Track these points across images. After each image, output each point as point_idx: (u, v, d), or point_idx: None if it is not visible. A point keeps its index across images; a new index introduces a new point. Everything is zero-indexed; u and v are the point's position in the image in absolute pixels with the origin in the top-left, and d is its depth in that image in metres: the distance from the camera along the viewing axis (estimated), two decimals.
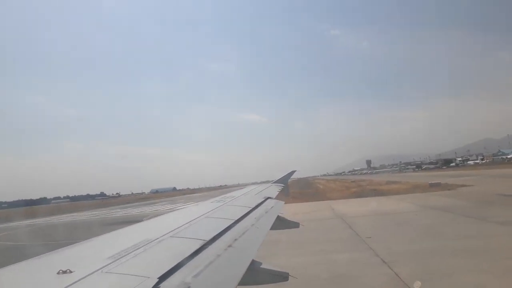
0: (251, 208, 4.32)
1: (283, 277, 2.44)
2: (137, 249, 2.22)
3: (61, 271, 1.72)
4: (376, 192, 35.73)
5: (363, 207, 23.35)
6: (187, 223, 3.20)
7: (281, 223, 4.46)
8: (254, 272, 2.27)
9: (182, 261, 1.99)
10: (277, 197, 6.41)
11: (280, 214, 4.48)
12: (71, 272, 1.72)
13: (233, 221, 3.37)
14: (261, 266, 2.38)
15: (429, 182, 36.25)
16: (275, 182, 9.25)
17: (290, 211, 22.75)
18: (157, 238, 2.52)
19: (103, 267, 1.82)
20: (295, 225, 4.79)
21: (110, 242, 2.74)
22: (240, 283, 1.88)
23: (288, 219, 4.83)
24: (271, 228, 3.58)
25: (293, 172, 11.20)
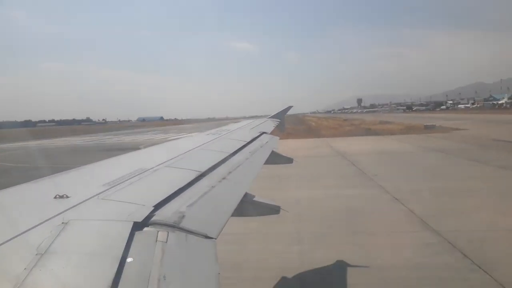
0: (246, 142, 4.35)
1: (275, 210, 2.52)
2: (133, 177, 2.24)
3: (57, 196, 1.75)
4: (371, 131, 35.94)
5: (361, 146, 23.54)
6: (182, 154, 3.22)
7: (275, 158, 4.52)
8: (247, 205, 2.33)
9: (177, 190, 2.03)
10: (272, 132, 6.43)
11: (274, 149, 4.52)
12: (67, 197, 1.75)
13: (228, 154, 3.40)
14: (253, 199, 2.44)
15: (424, 124, 36.47)
16: (270, 117, 9.23)
17: (288, 146, 23.30)
18: (153, 167, 2.55)
19: (99, 193, 1.85)
20: (289, 160, 4.87)
21: (106, 169, 2.77)
22: (233, 215, 1.94)
23: (283, 154, 4.89)
24: (265, 163, 3.62)
25: (289, 107, 11.14)
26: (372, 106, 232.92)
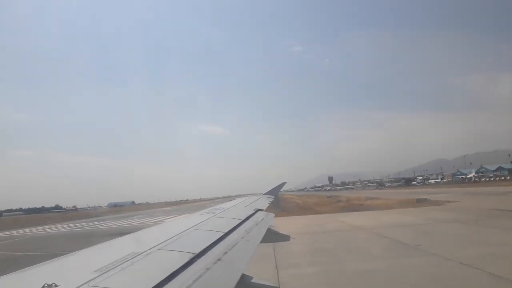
0: (241, 220, 4.28)
1: None
2: (124, 262, 2.16)
3: (46, 285, 1.67)
4: (365, 207, 35.47)
5: (371, 220, 22.86)
6: (175, 236, 3.15)
7: (272, 236, 4.43)
8: (244, 286, 2.23)
9: (170, 275, 1.95)
10: (267, 209, 6.37)
11: (270, 226, 4.45)
12: (56, 286, 1.67)
13: (223, 233, 3.33)
14: (251, 281, 2.34)
15: (416, 198, 36.56)
16: (265, 194, 9.22)
17: (295, 223, 23.26)
18: (145, 251, 2.47)
19: (89, 281, 1.77)
20: (286, 238, 4.77)
21: (97, 255, 2.68)
22: None
23: (279, 231, 4.80)
24: (261, 241, 3.54)
25: (283, 184, 11.18)
26: (343, 183, 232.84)
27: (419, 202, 33.97)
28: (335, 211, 32.38)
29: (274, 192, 9.53)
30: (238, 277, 2.15)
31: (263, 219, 4.76)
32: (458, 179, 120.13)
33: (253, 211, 5.36)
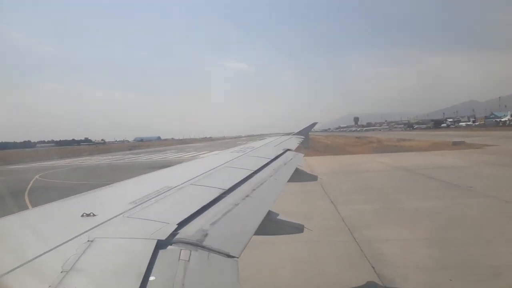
0: (270, 159, 4.34)
1: (298, 229, 2.48)
2: (158, 195, 2.28)
3: (85, 214, 1.79)
4: (399, 148, 34.31)
5: (412, 162, 22.08)
6: (207, 172, 3.25)
7: (300, 175, 4.48)
8: (270, 223, 2.31)
9: (201, 208, 2.04)
10: (297, 149, 6.40)
11: (299, 167, 4.49)
12: (94, 215, 1.79)
13: (252, 171, 3.40)
14: (277, 217, 2.41)
15: (452, 141, 35.10)
16: (295, 134, 9.20)
17: (331, 162, 23.49)
18: (178, 185, 2.58)
19: (125, 211, 1.88)
20: (314, 178, 4.81)
21: (132, 188, 2.82)
22: (256, 233, 1.92)
23: (307, 171, 4.84)
24: (289, 180, 3.60)
25: (314, 124, 11.07)
26: (369, 124, 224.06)
27: (456, 145, 32.72)
28: (369, 152, 31.66)
29: (305, 132, 9.48)
30: (265, 213, 2.22)
31: (291, 159, 4.80)
32: (492, 123, 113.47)
33: (282, 151, 5.40)
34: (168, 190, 2.42)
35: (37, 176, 26.22)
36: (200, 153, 46.09)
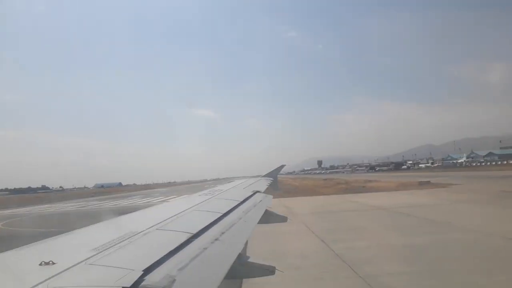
0: (239, 202, 4.31)
1: (269, 271, 2.43)
2: (122, 241, 2.18)
3: (43, 263, 1.68)
4: (368, 188, 34.78)
5: (385, 200, 22.37)
6: (173, 216, 3.17)
7: (270, 217, 4.46)
8: (241, 266, 2.25)
9: (167, 254, 1.97)
10: (266, 191, 6.40)
11: (268, 208, 4.47)
12: (53, 263, 1.68)
13: (221, 214, 3.35)
14: (248, 260, 2.37)
15: (418, 181, 36.09)
16: (264, 176, 9.25)
17: (305, 203, 23.48)
18: (143, 231, 2.49)
19: (87, 259, 1.78)
20: (283, 219, 4.79)
21: (94, 234, 2.69)
22: (226, 277, 1.87)
23: (276, 213, 4.83)
24: (259, 222, 3.57)
25: (282, 166, 11.21)
26: (332, 167, 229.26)
27: (423, 185, 33.48)
28: (339, 193, 31.80)
29: (273, 174, 9.56)
30: (235, 257, 2.17)
31: (261, 200, 4.79)
32: (450, 164, 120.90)
33: (252, 193, 5.39)
34: (132, 236, 2.33)
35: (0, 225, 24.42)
36: (168, 197, 44.94)
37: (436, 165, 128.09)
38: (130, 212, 3.82)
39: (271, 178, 8.86)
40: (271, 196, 5.67)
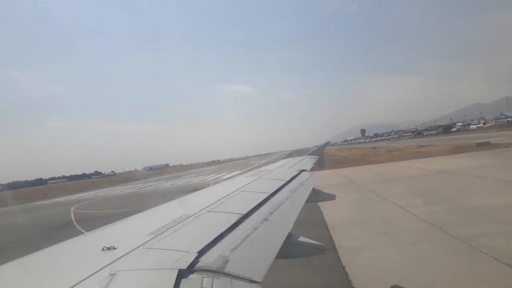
0: (286, 181, 4.31)
1: (320, 249, 2.44)
2: (176, 224, 2.27)
3: (105, 248, 1.80)
4: (423, 154, 32.50)
5: (447, 164, 21.30)
6: (223, 198, 3.24)
7: (317, 196, 4.44)
8: (291, 245, 2.27)
9: (220, 235, 2.03)
10: (312, 169, 6.36)
11: (315, 187, 4.45)
12: (114, 248, 1.79)
13: (269, 194, 3.38)
14: (298, 239, 2.38)
15: (476, 142, 33.47)
16: (309, 154, 9.16)
17: (367, 172, 23.15)
18: (195, 213, 2.58)
19: (145, 243, 1.88)
20: (331, 197, 4.75)
21: (150, 219, 2.83)
22: (277, 256, 1.89)
23: (324, 191, 4.79)
24: (307, 201, 3.56)
25: (328, 143, 11.07)
26: (376, 135, 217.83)
27: (481, 146, 31.15)
28: (394, 160, 30.30)
29: (319, 152, 9.44)
30: (285, 236, 2.19)
31: (307, 179, 4.76)
32: (504, 123, 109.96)
33: (297, 172, 5.37)
34: (186, 219, 2.41)
35: (72, 208, 26.21)
36: (220, 174, 45.77)
37: (489, 125, 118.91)
38: (191, 190, 3.99)
39: (317, 156, 8.76)
40: (316, 174, 5.62)
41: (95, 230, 2.33)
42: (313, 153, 9.21)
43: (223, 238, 2.00)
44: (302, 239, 2.39)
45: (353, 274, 6.35)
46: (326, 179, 20.96)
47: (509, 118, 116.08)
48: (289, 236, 2.26)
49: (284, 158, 10.81)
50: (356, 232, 9.25)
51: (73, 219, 19.88)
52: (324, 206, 12.01)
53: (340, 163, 32.53)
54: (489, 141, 33.22)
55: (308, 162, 7.42)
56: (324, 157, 9.62)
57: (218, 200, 3.11)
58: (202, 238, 1.92)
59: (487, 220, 8.38)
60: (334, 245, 8.06)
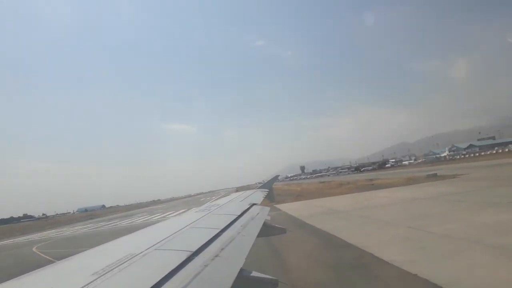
0: (237, 216, 4.27)
1: (272, 284, 2.41)
2: (122, 263, 2.15)
3: None
4: (378, 185, 33.31)
5: (415, 193, 21.79)
6: (172, 234, 3.13)
7: (268, 229, 4.43)
8: (243, 281, 2.23)
9: (168, 274, 1.94)
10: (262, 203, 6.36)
11: (267, 220, 4.44)
12: None
13: (219, 230, 3.32)
14: (250, 275, 2.34)
15: (426, 174, 35.37)
16: (259, 188, 9.20)
17: (335, 203, 23.18)
18: (142, 252, 2.46)
19: (88, 284, 1.75)
20: (282, 231, 4.76)
21: (94, 258, 2.65)
22: None
23: (275, 224, 4.79)
24: (258, 235, 3.54)
25: (277, 176, 11.22)
26: (315, 171, 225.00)
27: (431, 177, 32.68)
28: (354, 191, 30.57)
29: (268, 185, 9.52)
30: (237, 272, 2.15)
31: (258, 213, 4.75)
32: (433, 159, 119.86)
33: (248, 206, 5.35)
34: (132, 258, 2.29)
35: (33, 249, 24.23)
36: (167, 213, 44.17)
37: (420, 161, 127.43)
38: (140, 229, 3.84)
39: (267, 190, 8.81)
40: (268, 208, 5.63)
41: (32, 272, 2.13)
42: (262, 187, 9.26)
43: (172, 278, 1.91)
44: (254, 274, 2.36)
45: None
46: (302, 211, 21.00)
47: (437, 155, 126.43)
48: (241, 271, 2.22)
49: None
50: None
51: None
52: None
53: (300, 195, 32.86)
54: (436, 173, 35.23)
55: (258, 195, 7.43)
56: (274, 191, 9.70)
57: (166, 237, 2.99)
58: (150, 278, 1.83)
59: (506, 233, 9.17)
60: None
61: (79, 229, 43.99)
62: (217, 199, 7.96)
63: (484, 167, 40.29)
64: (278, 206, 27.09)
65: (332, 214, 18.39)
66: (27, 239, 39.21)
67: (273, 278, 2.41)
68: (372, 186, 34.72)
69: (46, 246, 26.14)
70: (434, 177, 33.10)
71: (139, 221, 39.58)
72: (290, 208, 24.88)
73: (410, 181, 32.39)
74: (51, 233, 44.41)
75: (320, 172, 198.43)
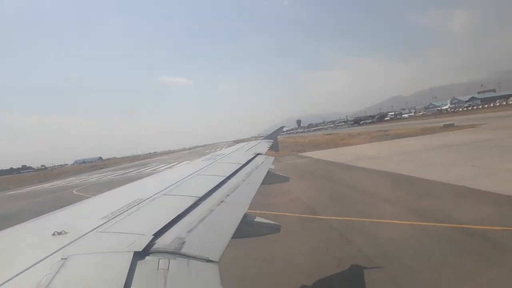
0: (242, 164, 4.35)
1: (275, 228, 2.50)
2: (131, 207, 2.23)
3: (56, 233, 1.74)
4: (396, 135, 32.26)
5: (443, 141, 21.27)
6: (179, 181, 3.21)
7: (272, 178, 4.52)
8: (247, 225, 2.32)
9: (176, 217, 2.02)
10: (266, 153, 6.43)
11: (271, 169, 4.52)
12: (66, 233, 1.73)
13: (225, 177, 3.40)
14: (254, 220, 2.43)
15: (443, 124, 34.67)
16: (264, 138, 9.26)
17: (361, 151, 22.82)
18: (150, 197, 2.54)
19: (98, 227, 1.83)
20: (285, 179, 4.86)
21: (104, 203, 2.75)
22: (233, 236, 1.93)
23: (278, 173, 4.88)
24: (262, 183, 3.62)
25: (281, 128, 11.24)
26: (310, 125, 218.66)
27: (448, 127, 32.15)
28: (373, 141, 29.70)
29: (273, 136, 9.57)
30: (241, 217, 2.22)
31: (263, 162, 4.83)
32: (435, 111, 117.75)
33: (253, 155, 5.43)
34: (140, 202, 2.38)
35: (74, 191, 25.13)
36: (173, 163, 44.31)
37: (421, 113, 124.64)
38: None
39: (271, 140, 8.87)
40: (272, 157, 5.71)
41: (44, 215, 2.22)
42: (267, 137, 9.32)
43: (180, 221, 1.99)
44: (258, 219, 2.45)
45: None
46: (337, 157, 20.60)
47: (438, 108, 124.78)
48: (245, 216, 2.30)
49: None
50: None
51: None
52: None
53: (316, 146, 32.31)
54: (453, 123, 34.39)
55: (263, 145, 7.50)
56: (278, 142, 9.76)
57: (174, 184, 3.07)
58: (158, 221, 1.91)
59: None
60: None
61: (100, 177, 43.07)
62: (223, 148, 8.02)
63: (496, 117, 39.14)
64: (304, 154, 26.23)
65: (374, 159, 17.55)
66: (61, 184, 39.09)
67: (276, 223, 2.50)
68: (388, 136, 33.84)
69: (84, 190, 26.49)
70: (452, 126, 32.46)
71: (162, 167, 39.58)
72: (320, 155, 23.89)
73: (426, 131, 31.66)
74: (78, 179, 44.38)
75: (317, 126, 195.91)
